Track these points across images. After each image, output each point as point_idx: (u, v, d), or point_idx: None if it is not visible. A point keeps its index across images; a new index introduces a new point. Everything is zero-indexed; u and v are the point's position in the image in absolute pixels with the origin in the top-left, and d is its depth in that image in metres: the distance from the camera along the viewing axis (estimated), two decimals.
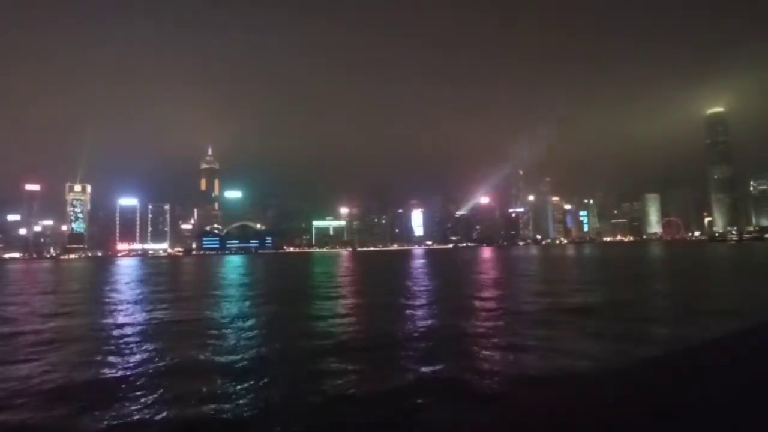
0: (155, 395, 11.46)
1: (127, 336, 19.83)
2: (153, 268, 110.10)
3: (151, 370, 13.86)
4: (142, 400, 11.10)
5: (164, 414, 10.25)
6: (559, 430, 1.80)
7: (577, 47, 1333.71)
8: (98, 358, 15.84)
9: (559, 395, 2.41)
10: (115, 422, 9.79)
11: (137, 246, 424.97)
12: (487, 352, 15.29)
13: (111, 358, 15.78)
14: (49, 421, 9.95)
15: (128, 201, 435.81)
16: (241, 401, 10.94)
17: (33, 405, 10.99)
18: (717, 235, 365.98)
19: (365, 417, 10.03)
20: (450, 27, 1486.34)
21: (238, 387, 12.00)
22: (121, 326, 22.53)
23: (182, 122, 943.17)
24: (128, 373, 13.67)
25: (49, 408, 10.75)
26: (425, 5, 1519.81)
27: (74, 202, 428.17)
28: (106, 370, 14.16)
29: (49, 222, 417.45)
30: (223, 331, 20.58)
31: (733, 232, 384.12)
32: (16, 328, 22.71)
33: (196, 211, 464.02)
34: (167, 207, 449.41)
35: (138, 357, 15.88)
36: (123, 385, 12.42)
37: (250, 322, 22.74)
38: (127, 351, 16.88)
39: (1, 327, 23.23)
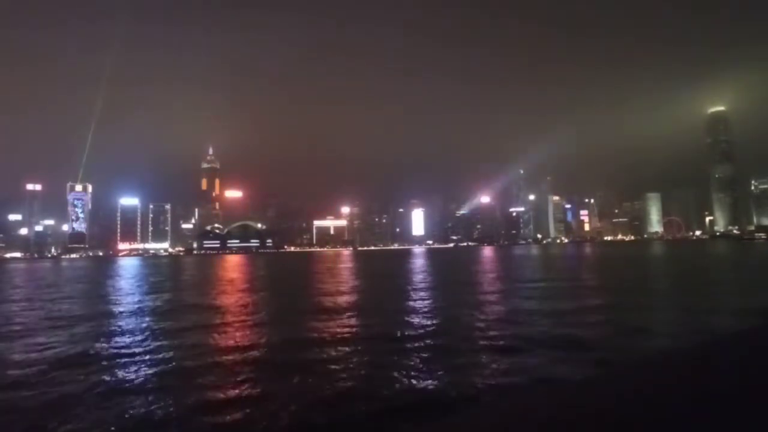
0: None
1: None
2: (156, 268, 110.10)
3: None
4: None
5: None
6: (559, 430, 1.79)
7: (578, 47, 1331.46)
8: None
9: (558, 396, 2.39)
10: None
11: (138, 246, 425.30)
12: None
13: None
14: None
15: (129, 201, 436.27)
16: None
17: None
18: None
19: None
20: (452, 27, 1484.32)
21: None
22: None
23: (183, 122, 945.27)
24: None
25: None
26: (428, 5, 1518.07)
27: (75, 202, 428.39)
28: None
29: (50, 222, 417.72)
30: None
31: (735, 230, 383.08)
32: None
33: (196, 210, 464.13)
34: (168, 206, 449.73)
35: None
36: None
37: None
38: None
39: None
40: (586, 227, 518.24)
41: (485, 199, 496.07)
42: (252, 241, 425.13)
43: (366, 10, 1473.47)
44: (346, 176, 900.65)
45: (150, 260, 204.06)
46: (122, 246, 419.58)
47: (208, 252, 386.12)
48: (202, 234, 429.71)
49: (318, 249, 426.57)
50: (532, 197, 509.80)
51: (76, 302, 36.52)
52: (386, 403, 10.97)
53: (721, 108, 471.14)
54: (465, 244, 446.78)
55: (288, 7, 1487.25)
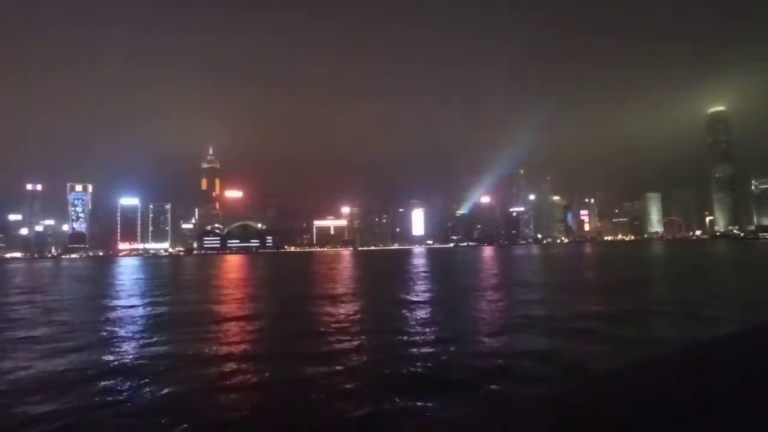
0: None
1: None
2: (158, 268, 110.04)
3: None
4: None
5: None
6: (559, 430, 1.80)
7: (577, 47, 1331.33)
8: None
9: (559, 396, 2.39)
10: None
11: (138, 246, 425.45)
12: None
13: None
14: None
15: (129, 201, 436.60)
16: None
17: None
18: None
19: None
20: (452, 27, 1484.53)
21: None
22: None
23: (183, 122, 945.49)
24: None
25: None
26: (428, 3, 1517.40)
27: (75, 202, 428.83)
28: None
29: (50, 222, 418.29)
30: None
31: (735, 230, 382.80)
32: None
33: (197, 210, 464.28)
34: (168, 206, 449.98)
35: None
36: None
37: None
38: None
39: None
40: (586, 227, 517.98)
41: (485, 198, 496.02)
42: (252, 241, 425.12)
43: (366, 9, 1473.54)
44: (346, 176, 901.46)
45: (150, 260, 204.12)
46: (122, 246, 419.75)
47: (208, 252, 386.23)
48: (202, 234, 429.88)
49: (318, 249, 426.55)
50: (532, 197, 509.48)
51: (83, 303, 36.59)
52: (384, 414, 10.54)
53: (721, 108, 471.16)
54: (465, 244, 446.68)
55: (287, 7, 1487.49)
